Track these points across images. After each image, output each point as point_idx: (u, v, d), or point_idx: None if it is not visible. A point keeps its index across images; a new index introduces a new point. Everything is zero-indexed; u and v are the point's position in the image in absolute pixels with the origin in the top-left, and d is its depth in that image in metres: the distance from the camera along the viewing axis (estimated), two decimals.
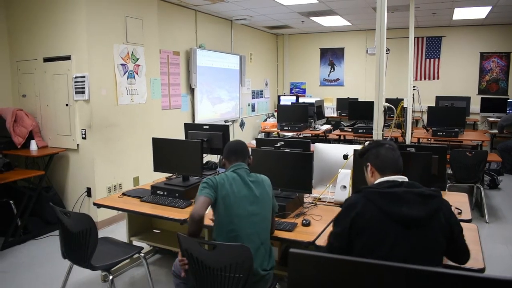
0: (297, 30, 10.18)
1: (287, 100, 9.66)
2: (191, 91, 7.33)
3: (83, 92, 4.83)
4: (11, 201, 4.64)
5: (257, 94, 10.02)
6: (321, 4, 6.93)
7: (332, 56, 10.58)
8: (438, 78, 9.52)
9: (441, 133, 6.49)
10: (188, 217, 2.49)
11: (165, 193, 3.53)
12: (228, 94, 8.45)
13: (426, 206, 1.92)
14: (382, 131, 3.65)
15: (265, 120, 10.06)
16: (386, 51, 3.67)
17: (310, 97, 10.21)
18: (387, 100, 3.67)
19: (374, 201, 1.95)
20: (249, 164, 2.75)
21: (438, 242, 1.93)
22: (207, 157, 3.97)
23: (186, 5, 6.97)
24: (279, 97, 10.44)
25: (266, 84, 10.52)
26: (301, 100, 9.62)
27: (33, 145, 5.01)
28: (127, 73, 5.28)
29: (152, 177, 4.28)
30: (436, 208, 1.93)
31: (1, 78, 5.40)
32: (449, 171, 5.34)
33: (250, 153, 2.79)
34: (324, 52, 10.64)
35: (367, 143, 2.36)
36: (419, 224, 1.89)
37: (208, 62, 7.65)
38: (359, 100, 9.18)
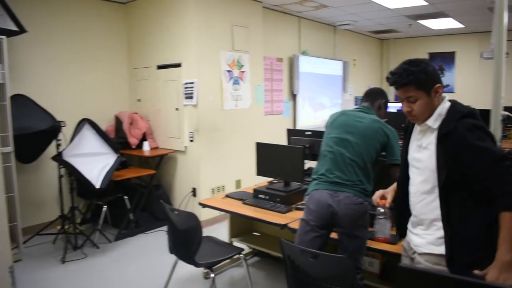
0: (404, 34, 9.78)
1: (392, 107, 9.27)
2: (293, 97, 7.38)
3: (191, 98, 5.10)
4: (125, 197, 5.03)
5: (360, 100, 9.80)
6: (430, 6, 6.59)
7: (441, 61, 9.99)
8: None
9: None
10: None
11: (267, 197, 3.59)
12: (330, 100, 8.37)
13: None
14: (500, 142, 3.36)
15: None
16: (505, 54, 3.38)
17: None
18: (506, 108, 3.36)
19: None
20: (380, 107, 2.91)
21: None
22: (308, 164, 3.96)
23: (289, 12, 7.05)
24: None
25: None
26: None
27: (146, 146, 5.39)
28: (232, 80, 5.48)
29: (253, 181, 4.37)
30: None
31: (120, 84, 5.92)
32: None
33: (383, 97, 2.94)
34: (433, 57, 10.08)
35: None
36: None
37: (311, 68, 7.65)
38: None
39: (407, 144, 2.15)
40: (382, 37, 10.26)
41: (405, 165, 2.15)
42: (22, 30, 4.46)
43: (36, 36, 4.93)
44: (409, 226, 2.14)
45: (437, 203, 1.92)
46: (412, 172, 2.09)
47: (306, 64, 7.47)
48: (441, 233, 1.91)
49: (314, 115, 7.89)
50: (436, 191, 1.92)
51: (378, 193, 2.31)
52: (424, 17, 7.51)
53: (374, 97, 2.92)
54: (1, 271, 2.74)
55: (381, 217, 2.20)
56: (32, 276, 3.92)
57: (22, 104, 4.49)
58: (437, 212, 1.92)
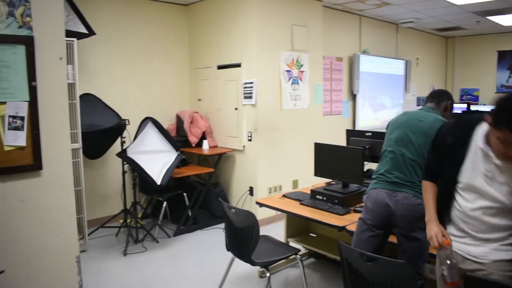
0: (471, 32, 9.33)
1: (457, 108, 8.86)
2: (353, 97, 7.26)
3: (250, 97, 5.13)
4: (185, 194, 5.15)
5: (423, 101, 9.46)
6: (500, 2, 6.23)
7: None
8: None
9: None
10: None
11: (325, 198, 3.54)
12: (391, 100, 8.14)
13: None
14: None
15: None
16: None
17: (484, 105, 9.26)
18: None
19: None
20: (446, 109, 2.78)
21: None
22: (368, 165, 3.87)
23: (350, 10, 6.93)
24: None
25: None
26: (473, 108, 8.78)
27: (205, 145, 5.50)
28: (291, 79, 5.46)
29: (310, 182, 4.34)
30: None
31: (182, 84, 6.08)
32: None
33: (449, 99, 2.80)
34: (503, 55, 9.53)
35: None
36: None
37: (372, 67, 7.48)
38: None
39: (460, 164, 1.99)
40: (447, 34, 9.84)
41: (451, 182, 2.04)
42: (91, 32, 4.68)
43: (103, 38, 5.17)
44: (457, 237, 2.05)
45: (507, 223, 1.88)
46: (468, 195, 1.99)
47: (366, 64, 7.32)
48: (510, 240, 1.88)
49: (374, 115, 7.71)
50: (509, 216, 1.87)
51: (438, 235, 2.03)
52: (493, 13, 7.12)
53: (440, 98, 2.80)
54: (69, 260, 2.89)
55: (449, 261, 1.98)
56: (96, 266, 4.12)
57: (90, 102, 4.72)
58: (508, 231, 1.88)
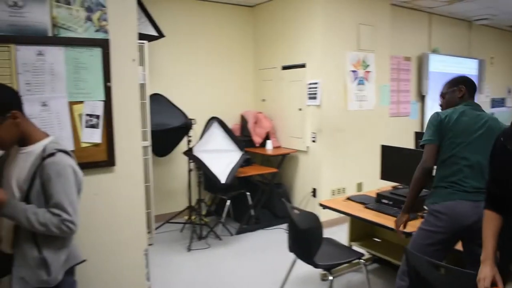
0: None
1: None
2: (421, 98, 6.99)
3: (315, 98, 5.09)
4: (248, 193, 5.20)
5: (498, 102, 8.93)
6: None
7: None
8: None
9: None
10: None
11: (391, 202, 3.44)
12: None
13: None
14: None
15: None
16: None
17: None
18: None
19: None
20: None
21: None
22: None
23: (419, 8, 6.69)
24: None
25: (509, 92, 9.29)
26: None
27: (269, 145, 5.53)
28: (357, 80, 5.35)
29: (375, 185, 4.23)
30: None
31: (246, 84, 6.15)
32: None
33: None
34: None
35: None
36: None
37: (442, 67, 7.16)
38: None
39: None
40: None
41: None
42: (160, 35, 4.85)
43: (171, 40, 5.33)
44: None
45: None
46: None
47: (436, 63, 7.02)
48: None
49: None
50: None
51: (487, 278, 1.82)
52: None
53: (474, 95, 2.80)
54: (138, 253, 3.01)
55: None
56: (162, 260, 4.27)
57: (159, 102, 4.90)
58: None
